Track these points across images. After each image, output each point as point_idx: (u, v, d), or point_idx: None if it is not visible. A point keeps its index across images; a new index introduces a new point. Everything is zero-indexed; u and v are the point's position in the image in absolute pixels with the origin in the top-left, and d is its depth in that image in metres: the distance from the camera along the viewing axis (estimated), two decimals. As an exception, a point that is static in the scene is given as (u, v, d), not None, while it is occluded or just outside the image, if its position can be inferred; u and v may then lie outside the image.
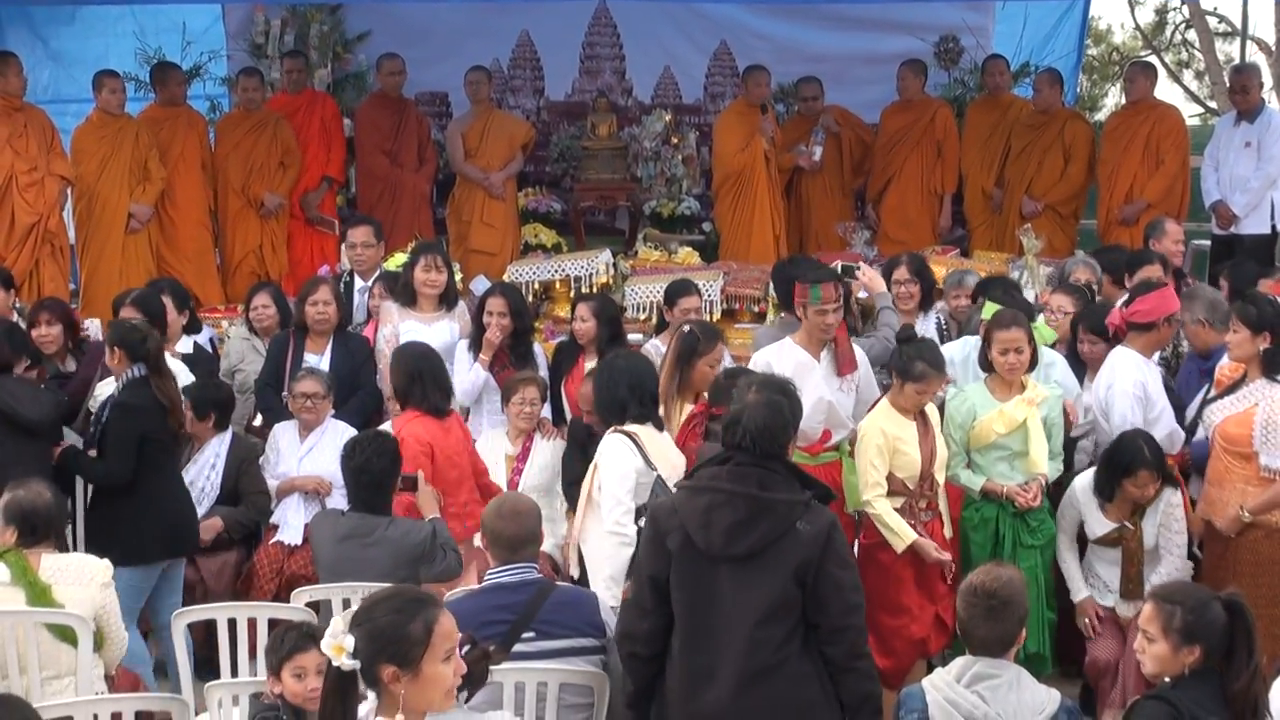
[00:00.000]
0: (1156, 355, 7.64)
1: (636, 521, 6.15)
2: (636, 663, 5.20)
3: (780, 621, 4.92)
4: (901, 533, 6.56)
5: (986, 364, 7.09)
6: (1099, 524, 6.89)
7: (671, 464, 6.44)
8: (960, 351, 7.66)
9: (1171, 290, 7.58)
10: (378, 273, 9.44)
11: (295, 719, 4.90)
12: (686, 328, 7.26)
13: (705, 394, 6.98)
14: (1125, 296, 7.79)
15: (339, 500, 7.56)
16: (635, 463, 6.31)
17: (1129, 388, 7.17)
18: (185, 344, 8.79)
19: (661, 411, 6.75)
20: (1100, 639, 6.89)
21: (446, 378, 7.49)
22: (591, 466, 6.56)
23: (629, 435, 6.41)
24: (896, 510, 6.63)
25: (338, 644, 3.58)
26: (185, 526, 7.33)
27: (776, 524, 4.97)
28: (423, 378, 7.22)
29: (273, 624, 6.11)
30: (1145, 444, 6.79)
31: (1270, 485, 6.72)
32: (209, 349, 9.26)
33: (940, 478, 6.87)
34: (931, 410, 6.93)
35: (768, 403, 5.16)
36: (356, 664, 3.60)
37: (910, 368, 6.71)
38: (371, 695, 3.77)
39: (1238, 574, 6.68)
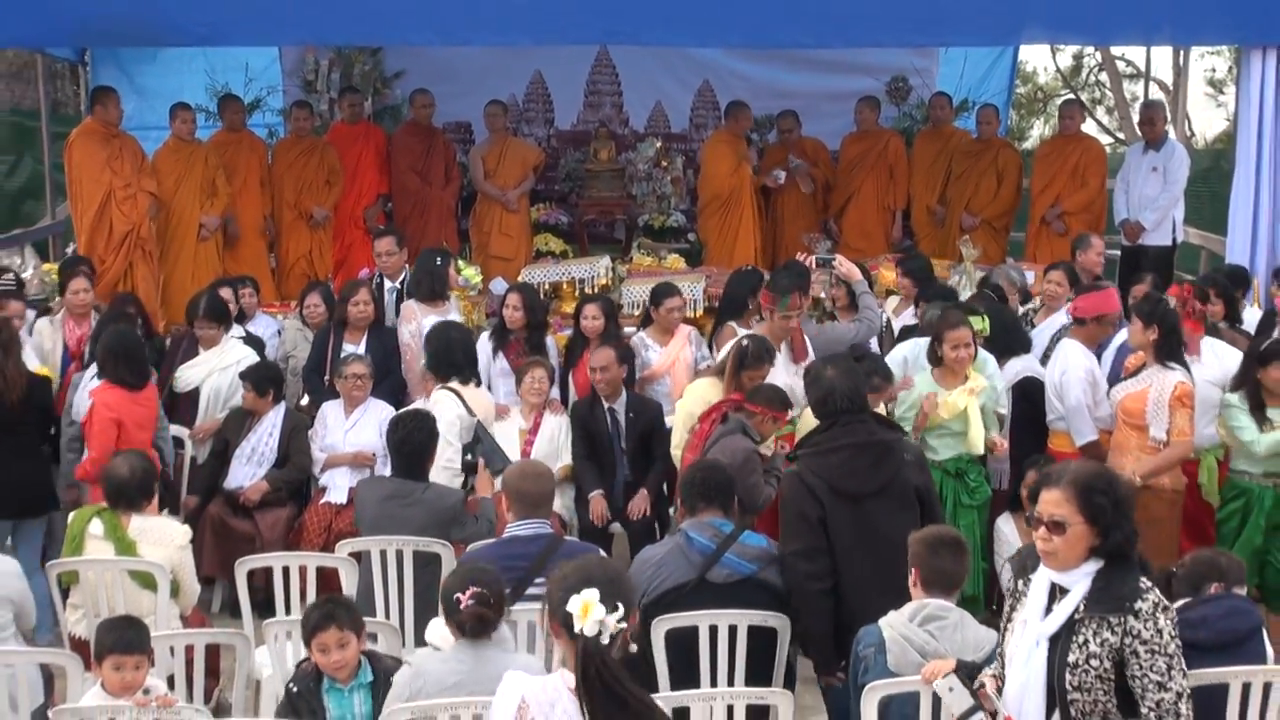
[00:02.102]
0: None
1: (464, 458, 6.75)
2: (825, 599, 5.37)
3: None
4: None
5: (936, 359, 7.09)
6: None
7: (486, 411, 6.94)
8: (911, 350, 7.58)
9: (1112, 292, 7.63)
10: (403, 274, 9.48)
11: (315, 687, 4.82)
12: (745, 342, 7.13)
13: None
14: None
15: (381, 470, 7.61)
16: (459, 411, 6.81)
17: (1080, 374, 7.28)
18: (237, 331, 8.83)
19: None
20: None
21: (142, 358, 7.29)
22: None
23: (454, 390, 6.87)
24: None
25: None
26: (21, 489, 7.12)
27: (894, 459, 5.50)
28: (116, 357, 7.08)
29: (320, 571, 6.17)
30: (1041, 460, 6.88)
31: (1158, 453, 6.80)
32: (274, 338, 9.37)
33: None
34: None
35: (846, 371, 5.66)
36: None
37: (868, 381, 6.72)
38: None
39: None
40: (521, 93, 13.49)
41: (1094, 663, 3.70)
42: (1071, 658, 3.73)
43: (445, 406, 6.90)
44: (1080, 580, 3.78)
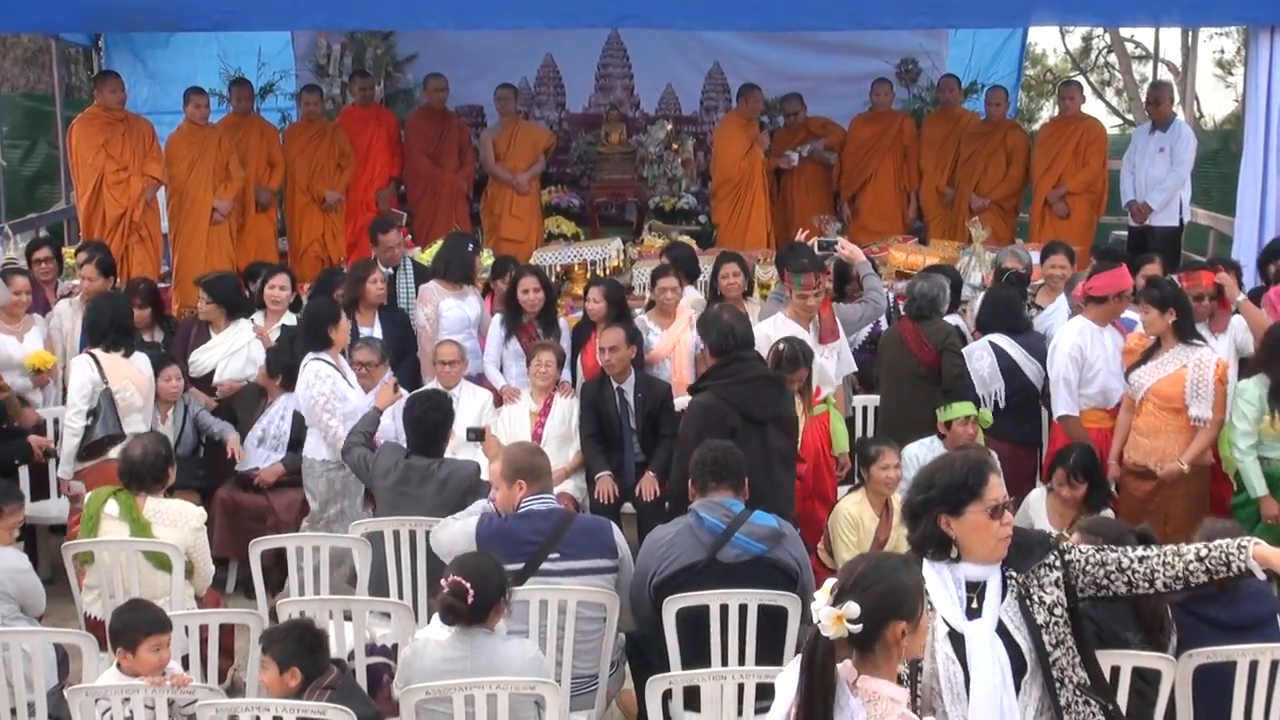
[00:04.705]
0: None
1: (85, 420, 7.10)
2: None
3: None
4: None
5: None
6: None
7: (124, 380, 7.21)
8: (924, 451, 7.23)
9: (1124, 271, 7.56)
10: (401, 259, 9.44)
11: None
12: (781, 345, 7.02)
13: None
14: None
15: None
16: (92, 376, 7.14)
17: (1067, 349, 7.33)
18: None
19: None
20: None
21: None
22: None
23: (93, 357, 7.20)
24: None
25: (838, 614, 3.22)
26: None
27: (783, 390, 6.45)
28: None
29: (333, 552, 6.16)
30: (1075, 451, 6.69)
31: (1198, 433, 6.84)
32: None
33: None
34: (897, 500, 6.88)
35: (740, 316, 6.54)
36: (859, 628, 3.22)
37: (865, 450, 6.80)
38: None
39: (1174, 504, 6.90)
40: (533, 76, 13.44)
41: (1058, 610, 3.69)
42: (1039, 619, 3.68)
43: (79, 369, 7.21)
44: (993, 568, 3.71)
